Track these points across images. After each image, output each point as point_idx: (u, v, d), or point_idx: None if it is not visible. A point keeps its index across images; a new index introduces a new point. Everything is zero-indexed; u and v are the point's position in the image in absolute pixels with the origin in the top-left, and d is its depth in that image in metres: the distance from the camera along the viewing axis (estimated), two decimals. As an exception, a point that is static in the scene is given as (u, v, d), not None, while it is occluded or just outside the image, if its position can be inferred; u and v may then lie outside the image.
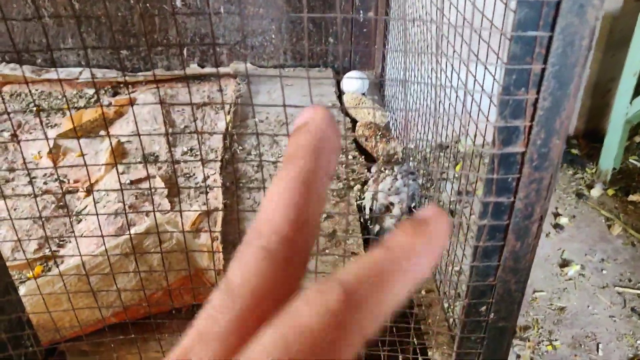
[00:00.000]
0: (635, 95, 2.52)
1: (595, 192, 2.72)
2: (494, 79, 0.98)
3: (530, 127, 0.83)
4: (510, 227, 0.93)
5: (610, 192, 2.72)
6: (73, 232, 1.36)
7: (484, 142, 1.09)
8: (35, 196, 1.00)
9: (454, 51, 1.11)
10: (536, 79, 0.79)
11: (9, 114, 1.18)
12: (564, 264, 2.38)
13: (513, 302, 1.03)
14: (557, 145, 0.85)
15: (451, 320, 1.46)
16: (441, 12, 1.12)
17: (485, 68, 0.98)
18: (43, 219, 1.85)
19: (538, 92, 0.80)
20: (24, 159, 0.93)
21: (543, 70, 0.78)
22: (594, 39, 0.78)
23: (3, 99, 2.06)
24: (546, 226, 2.57)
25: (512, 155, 0.86)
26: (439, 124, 1.36)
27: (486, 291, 1.03)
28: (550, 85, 0.79)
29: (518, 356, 2.01)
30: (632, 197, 2.66)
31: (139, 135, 0.91)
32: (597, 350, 2.01)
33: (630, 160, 2.90)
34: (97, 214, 1.02)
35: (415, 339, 1.38)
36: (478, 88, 0.95)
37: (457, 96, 1.06)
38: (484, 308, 1.05)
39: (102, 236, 1.12)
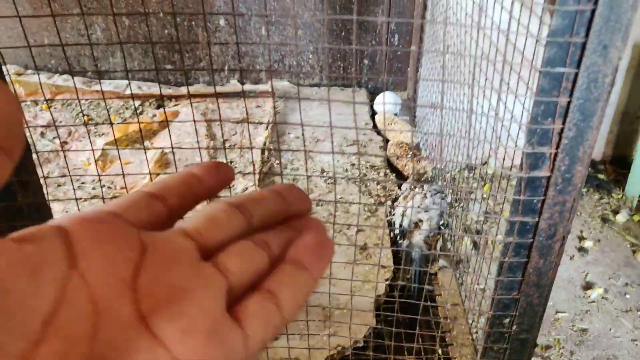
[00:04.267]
0: (663, 124, 2.56)
1: (621, 217, 2.75)
2: (523, 107, 1.06)
3: (556, 154, 0.91)
4: (535, 245, 1.01)
5: (637, 217, 2.75)
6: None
7: (512, 165, 1.17)
8: (79, 199, 1.11)
9: (485, 79, 1.19)
10: (562, 110, 0.87)
11: (56, 127, 1.30)
12: (587, 286, 2.42)
13: (535, 315, 1.11)
14: (580, 172, 0.93)
15: (474, 333, 1.53)
16: (476, 43, 1.21)
17: (516, 97, 1.07)
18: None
19: (564, 123, 0.88)
20: (68, 166, 1.04)
21: (569, 103, 0.86)
22: (616, 75, 0.86)
23: (48, 107, 2.19)
24: (571, 249, 2.61)
25: (538, 179, 0.94)
26: (469, 146, 1.44)
27: (510, 304, 1.10)
28: (575, 117, 0.87)
29: (539, 374, 2.05)
30: (657, 224, 2.69)
31: (172, 148, 1.02)
32: (618, 373, 2.04)
33: (657, 187, 2.93)
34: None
35: (440, 349, 1.45)
36: (507, 115, 1.04)
37: (487, 121, 1.15)
38: (507, 320, 1.12)
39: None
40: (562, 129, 0.89)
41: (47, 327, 0.20)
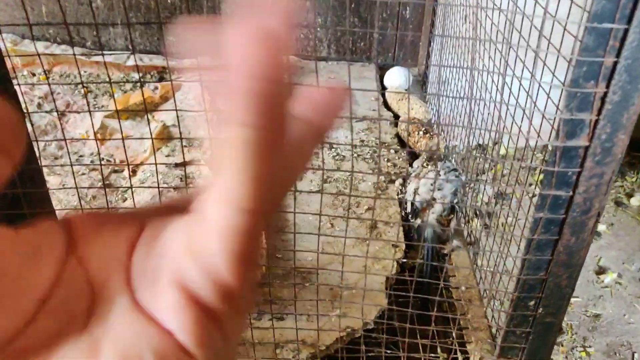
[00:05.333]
0: (682, 105, 2.48)
1: (635, 201, 2.68)
2: (553, 74, 0.98)
3: (597, 121, 0.83)
4: (567, 221, 0.93)
5: (651, 202, 2.68)
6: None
7: (550, 135, 1.09)
8: (76, 174, 1.03)
9: (519, 39, 1.11)
10: (607, 72, 0.79)
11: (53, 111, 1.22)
12: (601, 271, 2.35)
13: (562, 297, 1.03)
14: (622, 140, 0.85)
15: (490, 316, 1.46)
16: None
17: (549, 69, 0.98)
18: (89, 197, 1.90)
19: (608, 86, 0.80)
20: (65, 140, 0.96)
21: (615, 63, 0.78)
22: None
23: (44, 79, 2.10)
24: (583, 233, 2.54)
25: (574, 148, 0.86)
26: (492, 120, 1.36)
27: (536, 285, 1.03)
28: (621, 79, 0.79)
29: (551, 360, 1.99)
30: (672, 208, 2.62)
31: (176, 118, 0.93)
32: (633, 360, 1.98)
33: (673, 171, 2.85)
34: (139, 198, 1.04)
35: (454, 332, 1.38)
36: (546, 80, 0.95)
37: (521, 86, 1.06)
38: (532, 302, 1.05)
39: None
40: (605, 93, 0.80)
41: (42, 306, 0.21)
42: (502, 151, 2.58)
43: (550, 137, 0.91)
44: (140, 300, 0.22)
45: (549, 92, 0.95)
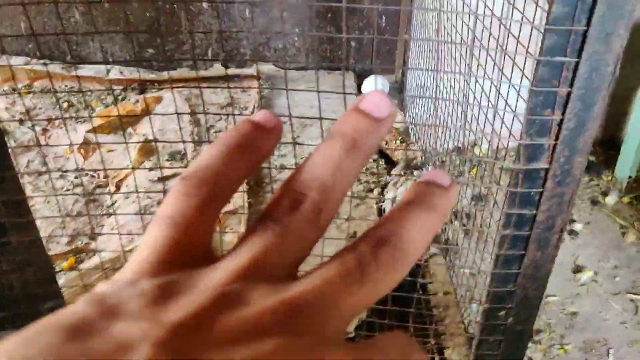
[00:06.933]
0: (652, 105, 2.55)
1: (611, 199, 2.75)
2: (519, 96, 1.03)
3: (555, 146, 0.88)
4: (532, 237, 0.98)
5: (626, 200, 2.75)
6: (103, 226, 1.42)
7: (506, 150, 1.14)
8: (57, 194, 1.07)
9: (476, 66, 1.16)
10: (562, 101, 0.84)
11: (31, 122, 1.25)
12: (577, 269, 2.42)
13: (531, 307, 1.09)
14: (579, 163, 0.90)
15: (467, 321, 1.51)
16: (471, 30, 1.17)
17: (514, 88, 1.03)
18: (74, 213, 1.92)
19: (563, 113, 0.85)
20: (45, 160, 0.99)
21: (569, 93, 0.83)
22: (619, 64, 0.83)
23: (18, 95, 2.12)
24: (560, 232, 2.61)
25: (536, 171, 0.91)
26: (459, 130, 1.41)
27: (505, 297, 1.08)
28: (575, 107, 0.84)
29: (530, 359, 2.05)
30: (646, 206, 2.69)
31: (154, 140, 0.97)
32: (608, 356, 2.05)
33: (647, 168, 2.93)
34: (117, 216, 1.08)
35: (432, 339, 1.43)
36: (505, 105, 1.00)
37: (480, 110, 1.11)
38: (502, 312, 1.10)
39: (132, 234, 1.19)
40: (561, 120, 0.85)
41: None
42: (479, 152, 2.64)
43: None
44: None
45: (513, 119, 1.00)
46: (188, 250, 0.24)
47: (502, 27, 0.92)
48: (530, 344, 2.13)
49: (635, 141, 2.66)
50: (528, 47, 0.93)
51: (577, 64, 0.80)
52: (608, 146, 3.10)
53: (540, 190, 0.93)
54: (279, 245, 0.24)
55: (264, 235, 0.24)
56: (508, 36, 0.88)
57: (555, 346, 2.11)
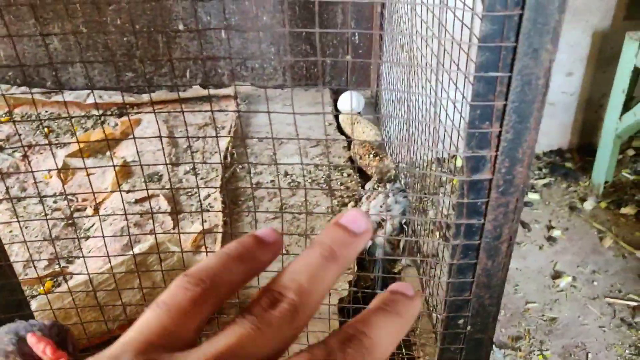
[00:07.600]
0: (624, 111, 2.60)
1: (588, 205, 2.79)
2: (461, 114, 1.06)
3: (496, 157, 0.91)
4: (482, 246, 1.01)
5: (603, 205, 2.79)
6: (81, 249, 1.45)
7: (454, 165, 1.17)
8: (46, 218, 1.09)
9: (421, 84, 1.19)
10: (499, 113, 0.87)
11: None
12: (556, 275, 2.45)
13: (488, 315, 1.11)
14: (521, 173, 0.93)
15: (438, 332, 1.53)
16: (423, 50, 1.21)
17: (452, 103, 1.07)
18: (53, 238, 1.94)
19: (501, 126, 0.88)
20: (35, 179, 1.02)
21: (505, 106, 0.86)
22: (550, 78, 0.87)
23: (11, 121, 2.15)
24: (540, 239, 2.64)
25: (480, 181, 0.94)
26: (412, 148, 1.45)
27: (463, 305, 1.10)
28: (511, 119, 0.87)
29: (510, 366, 2.07)
30: (623, 210, 2.73)
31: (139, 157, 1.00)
32: (587, 360, 2.07)
33: (623, 173, 2.97)
34: (102, 236, 1.11)
35: (404, 349, 1.45)
36: (446, 118, 1.04)
37: (426, 124, 1.15)
38: (461, 321, 1.13)
39: (108, 256, 1.21)
40: (500, 132, 0.89)
41: None
42: (459, 164, 2.67)
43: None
44: None
45: (457, 130, 1.03)
46: (174, 337, 0.27)
47: (438, 44, 0.96)
48: (510, 351, 2.15)
49: (609, 147, 2.70)
50: (467, 63, 0.96)
51: (509, 78, 0.84)
52: (585, 152, 3.14)
53: (486, 200, 0.96)
54: (254, 338, 0.27)
55: (241, 328, 0.27)
56: (444, 54, 0.92)
57: (535, 352, 2.13)
